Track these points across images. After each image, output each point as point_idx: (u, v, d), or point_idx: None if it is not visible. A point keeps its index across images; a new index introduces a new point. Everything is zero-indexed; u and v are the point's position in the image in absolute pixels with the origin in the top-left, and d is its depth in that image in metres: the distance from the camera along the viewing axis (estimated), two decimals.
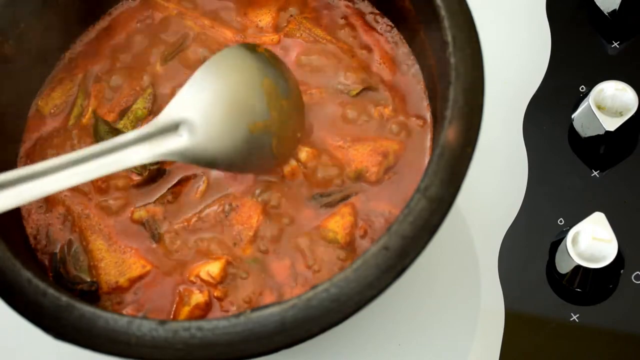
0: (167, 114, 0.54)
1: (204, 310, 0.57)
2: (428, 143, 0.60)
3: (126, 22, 0.66)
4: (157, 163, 0.60)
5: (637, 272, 0.63)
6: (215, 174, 0.60)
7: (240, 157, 0.56)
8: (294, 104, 0.58)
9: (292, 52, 0.63)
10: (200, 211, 0.59)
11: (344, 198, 0.58)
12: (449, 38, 0.54)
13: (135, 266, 0.58)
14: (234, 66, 0.56)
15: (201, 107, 0.54)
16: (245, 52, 0.57)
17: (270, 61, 0.58)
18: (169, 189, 0.60)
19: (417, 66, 0.62)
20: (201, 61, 0.61)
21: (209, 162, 0.55)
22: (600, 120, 0.64)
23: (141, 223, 0.59)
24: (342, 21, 0.64)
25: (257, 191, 0.59)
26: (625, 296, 0.62)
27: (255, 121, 0.56)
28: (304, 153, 0.59)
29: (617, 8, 0.69)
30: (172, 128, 0.54)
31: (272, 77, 0.57)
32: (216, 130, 0.54)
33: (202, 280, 0.57)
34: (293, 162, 0.59)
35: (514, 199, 0.66)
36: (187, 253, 0.58)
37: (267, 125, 0.56)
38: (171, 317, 0.57)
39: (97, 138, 0.61)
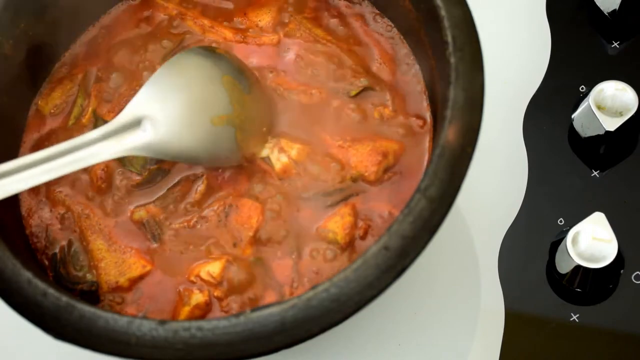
0: (129, 111, 0.56)
1: (204, 310, 0.56)
2: (428, 143, 0.60)
3: (126, 22, 0.66)
4: (157, 163, 0.60)
5: (637, 272, 0.63)
6: (215, 174, 0.60)
7: (205, 150, 0.57)
8: (257, 99, 0.60)
9: (292, 52, 0.63)
10: (200, 211, 0.59)
11: (344, 198, 0.58)
12: (449, 38, 0.54)
13: (136, 266, 0.58)
14: (193, 64, 0.58)
15: (162, 102, 0.56)
16: (205, 52, 0.60)
17: (230, 61, 0.60)
18: (169, 188, 0.60)
19: (417, 66, 0.62)
20: None
21: (174, 155, 0.57)
22: (600, 120, 0.64)
23: (141, 223, 0.59)
24: (342, 21, 0.64)
25: (257, 191, 0.59)
26: (625, 296, 0.62)
27: (218, 114, 0.57)
28: (294, 150, 0.59)
29: (617, 8, 0.69)
30: (135, 124, 0.56)
31: (232, 74, 0.59)
32: (178, 123, 0.56)
33: (202, 280, 0.57)
34: (284, 159, 0.59)
35: (514, 199, 0.66)
36: (187, 253, 0.58)
37: (229, 118, 0.58)
38: (171, 317, 0.57)
39: None
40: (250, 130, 0.59)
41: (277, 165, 0.59)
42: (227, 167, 0.59)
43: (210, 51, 0.60)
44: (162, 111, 0.56)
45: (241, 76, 0.60)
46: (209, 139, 0.57)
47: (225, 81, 0.58)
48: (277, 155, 0.59)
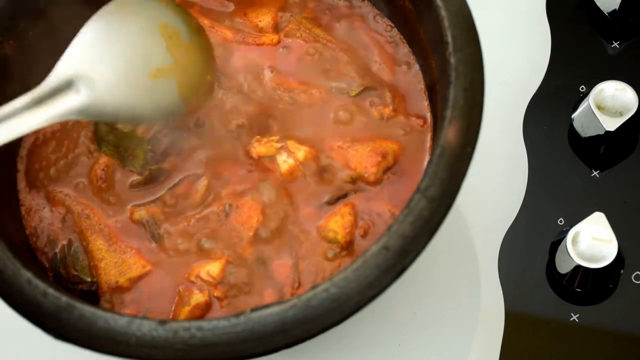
0: (58, 72, 0.52)
1: (204, 310, 0.57)
2: (428, 143, 0.60)
3: None
4: (157, 163, 0.60)
5: (637, 272, 0.63)
6: (215, 173, 0.60)
7: (146, 107, 0.54)
8: (199, 47, 0.57)
9: (292, 52, 0.63)
10: (200, 211, 0.59)
11: (344, 196, 0.58)
12: (449, 38, 0.54)
13: (135, 266, 0.58)
14: (126, 14, 0.55)
15: (94, 59, 0.53)
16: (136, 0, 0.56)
17: (167, 7, 0.57)
18: (169, 188, 0.60)
19: (417, 66, 0.62)
20: None
21: (113, 116, 0.54)
22: (600, 120, 0.64)
23: (141, 223, 0.59)
24: (342, 21, 0.64)
25: (257, 191, 0.59)
26: (625, 296, 0.62)
27: (156, 66, 0.54)
28: (301, 152, 0.59)
29: (617, 8, 0.69)
30: (67, 86, 0.52)
31: (171, 21, 0.56)
32: (114, 80, 0.53)
33: (202, 280, 0.57)
34: (291, 162, 0.59)
35: (514, 199, 0.66)
36: (187, 253, 0.58)
37: (169, 69, 0.55)
38: (171, 317, 0.57)
39: (98, 138, 0.61)
40: (193, 82, 0.56)
41: (284, 167, 0.59)
42: (175, 125, 0.57)
43: None
44: (95, 69, 0.53)
45: (180, 22, 0.56)
46: (147, 94, 0.54)
47: (162, 29, 0.55)
48: (285, 157, 0.59)
